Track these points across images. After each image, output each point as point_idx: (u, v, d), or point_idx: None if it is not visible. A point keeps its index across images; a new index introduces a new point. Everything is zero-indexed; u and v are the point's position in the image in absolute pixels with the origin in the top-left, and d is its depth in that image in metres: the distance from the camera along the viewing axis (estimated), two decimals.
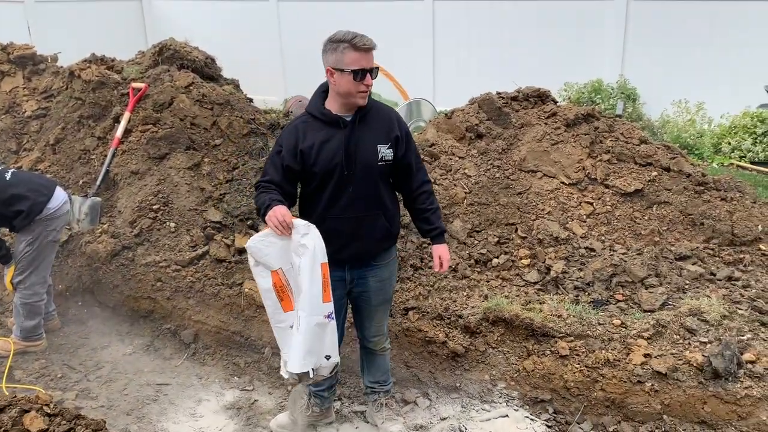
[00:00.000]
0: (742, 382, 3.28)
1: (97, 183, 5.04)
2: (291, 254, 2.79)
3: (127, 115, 5.23)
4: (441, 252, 3.21)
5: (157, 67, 5.66)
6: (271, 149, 3.05)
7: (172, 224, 4.75)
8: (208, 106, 5.35)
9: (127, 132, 5.22)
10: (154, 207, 4.83)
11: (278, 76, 11.98)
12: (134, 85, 5.37)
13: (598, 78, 9.66)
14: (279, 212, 2.74)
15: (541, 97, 5.24)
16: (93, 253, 4.67)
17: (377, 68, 2.88)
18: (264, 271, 2.87)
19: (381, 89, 10.26)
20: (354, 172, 2.92)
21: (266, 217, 2.77)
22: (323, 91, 2.99)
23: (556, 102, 5.36)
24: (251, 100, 5.96)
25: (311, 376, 2.82)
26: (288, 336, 2.87)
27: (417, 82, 9.95)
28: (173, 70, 5.61)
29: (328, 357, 2.85)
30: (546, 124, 5.05)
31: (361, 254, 3.10)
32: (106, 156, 5.15)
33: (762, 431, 3.21)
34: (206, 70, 5.91)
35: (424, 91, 9.36)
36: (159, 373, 4.12)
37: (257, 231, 4.64)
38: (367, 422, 3.61)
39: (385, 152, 2.98)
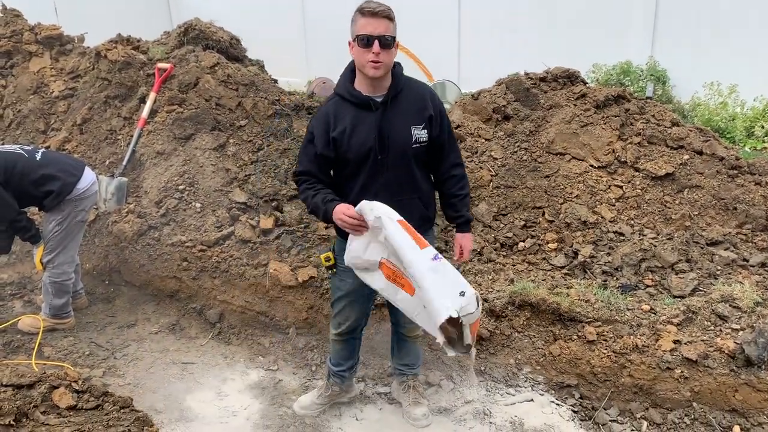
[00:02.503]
0: None
1: (124, 163, 5.06)
2: (376, 239, 2.65)
3: (152, 95, 5.23)
4: (463, 241, 3.10)
5: (182, 47, 5.65)
6: (304, 136, 2.89)
7: (198, 205, 4.76)
8: (233, 86, 5.33)
9: (153, 112, 5.23)
10: (180, 187, 4.84)
11: (302, 57, 11.93)
12: (160, 65, 5.36)
13: (627, 60, 9.46)
14: (346, 214, 2.65)
15: (570, 78, 5.14)
16: (120, 232, 4.70)
17: (390, 37, 2.63)
18: (375, 274, 2.73)
19: (406, 70, 10.17)
20: (388, 157, 2.78)
21: (337, 223, 2.71)
22: (351, 70, 2.83)
23: (585, 83, 5.25)
24: (276, 81, 5.93)
25: (462, 322, 2.52)
26: (404, 261, 2.62)
27: (442, 64, 9.83)
28: (198, 50, 5.60)
29: (462, 293, 2.55)
30: (575, 105, 4.95)
31: None
32: (132, 136, 5.17)
33: None
34: (231, 50, 5.89)
35: (449, 73, 9.25)
36: (185, 352, 4.15)
37: (281, 212, 4.64)
38: (391, 403, 3.60)
39: (420, 133, 2.82)
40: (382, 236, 2.61)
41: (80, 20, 7.97)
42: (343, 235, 2.87)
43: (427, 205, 3.00)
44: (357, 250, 2.73)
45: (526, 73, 5.31)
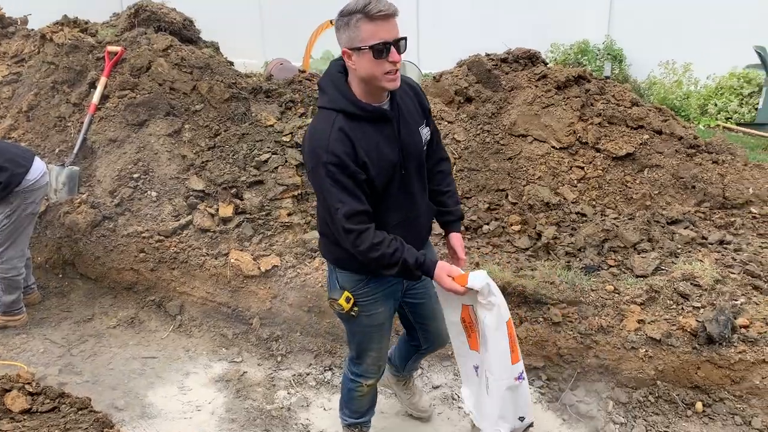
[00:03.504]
0: (735, 347, 3.27)
1: (74, 151, 4.87)
2: (476, 303, 2.39)
3: (103, 80, 5.03)
4: (459, 242, 2.69)
5: (133, 29, 5.45)
6: (316, 176, 2.22)
7: (154, 193, 4.61)
8: (188, 70, 5.16)
9: (104, 98, 5.03)
10: (135, 176, 4.68)
11: (258, 38, 11.69)
12: (110, 48, 5.16)
13: (585, 39, 9.53)
14: (448, 275, 2.29)
15: (531, 58, 5.12)
16: (72, 224, 4.52)
17: (404, 39, 2.16)
18: (454, 302, 2.47)
19: None
20: (408, 169, 2.40)
21: (439, 283, 2.32)
22: (345, 80, 2.28)
23: (546, 64, 5.24)
24: (232, 64, 5.77)
25: None
26: (472, 378, 2.57)
27: None
28: (150, 32, 5.40)
29: (521, 418, 2.51)
30: (536, 86, 4.94)
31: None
32: (82, 123, 4.97)
33: (755, 395, 3.22)
34: (184, 32, 5.70)
35: (408, 54, 9.17)
36: (145, 346, 4.03)
37: (241, 199, 4.53)
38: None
39: (425, 132, 2.47)
40: (483, 313, 2.35)
41: (22, 1, 7.61)
42: (354, 270, 2.49)
43: (431, 206, 2.67)
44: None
45: (487, 54, 5.27)
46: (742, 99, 8.46)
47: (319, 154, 2.17)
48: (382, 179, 2.29)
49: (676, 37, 9.05)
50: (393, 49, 2.11)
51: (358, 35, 2.11)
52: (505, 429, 2.48)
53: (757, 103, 8.31)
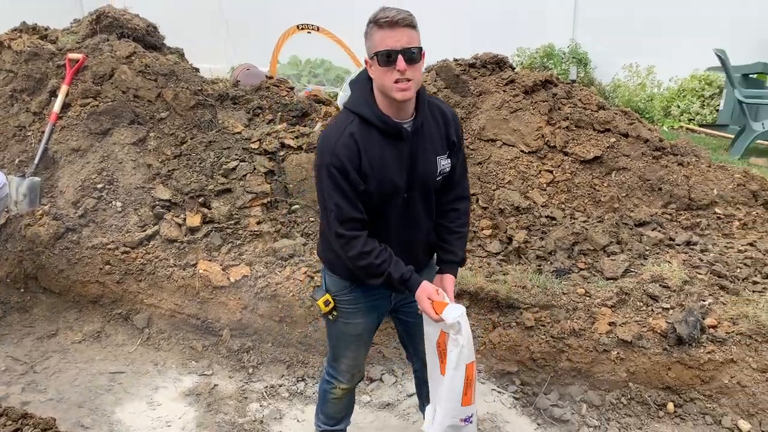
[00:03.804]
0: (704, 347, 3.31)
1: (35, 162, 4.73)
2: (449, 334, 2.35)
3: (64, 88, 4.90)
4: (447, 284, 2.48)
5: (95, 36, 5.32)
6: (320, 174, 2.23)
7: (119, 204, 4.51)
8: (152, 77, 5.06)
9: (66, 106, 4.90)
10: (99, 186, 4.56)
11: (223, 42, 11.55)
12: (71, 55, 5.03)
13: (550, 43, 9.64)
14: (428, 297, 2.25)
15: (498, 63, 5.14)
16: (34, 236, 4.39)
17: (416, 48, 2.11)
18: (435, 324, 2.37)
19: (332, 56, 10.03)
20: (413, 193, 2.34)
21: (418, 303, 2.29)
22: (371, 87, 2.26)
23: (513, 68, 5.27)
24: (197, 70, 5.68)
25: None
26: (439, 396, 2.46)
27: None
28: (113, 39, 5.28)
29: None
30: (504, 91, 4.96)
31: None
32: (43, 132, 4.83)
33: (724, 394, 3.27)
34: (148, 38, 5.59)
35: None
36: (111, 361, 3.93)
37: (209, 208, 4.46)
38: None
39: (444, 164, 2.37)
40: (453, 337, 2.30)
41: None
42: (341, 274, 2.47)
43: (432, 234, 2.57)
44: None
45: (455, 60, 5.28)
46: (704, 101, 8.65)
47: (325, 154, 2.18)
48: (381, 196, 2.26)
49: (639, 41, 9.22)
50: (400, 57, 2.07)
51: (372, 43, 2.14)
52: None
53: (718, 105, 8.50)
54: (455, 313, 2.22)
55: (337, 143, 2.17)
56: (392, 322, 2.84)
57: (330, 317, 2.54)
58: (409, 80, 2.11)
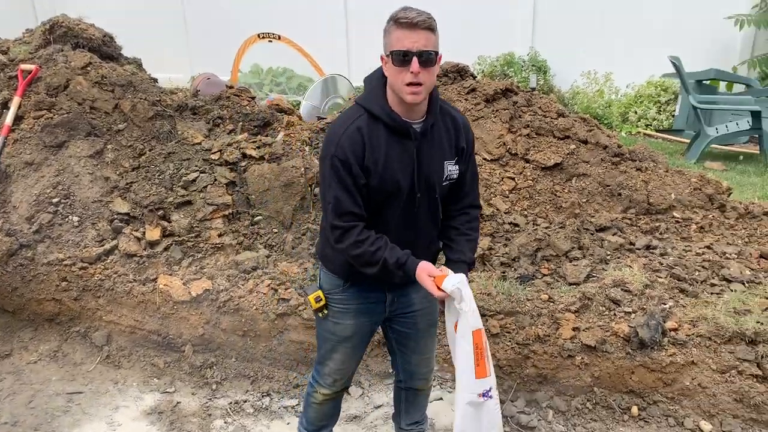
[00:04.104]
0: (666, 350, 3.36)
1: None
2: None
3: (16, 100, 4.76)
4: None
5: (48, 46, 5.18)
6: (323, 164, 2.25)
7: (76, 218, 4.39)
8: (109, 88, 4.95)
9: (18, 119, 4.75)
10: (54, 200, 4.44)
11: (183, 51, 11.44)
12: (23, 66, 4.89)
13: (510, 51, 9.76)
14: (429, 275, 2.22)
15: (460, 72, 5.18)
16: None
17: (433, 52, 2.13)
18: (452, 311, 2.31)
19: (294, 65, 9.99)
20: (417, 195, 2.32)
21: (421, 283, 2.24)
22: (384, 83, 2.27)
23: (474, 77, 5.31)
24: (155, 81, 5.58)
25: None
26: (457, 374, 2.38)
27: (332, 58, 9.72)
28: (67, 49, 5.15)
29: None
30: (466, 99, 4.99)
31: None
32: None
33: (686, 396, 3.32)
34: (105, 48, 5.47)
35: (339, 67, 9.15)
36: (69, 381, 3.81)
37: (169, 222, 4.37)
38: (298, 416, 3.47)
39: (452, 169, 2.37)
40: (456, 307, 2.25)
41: None
42: (336, 272, 2.47)
43: (435, 241, 2.56)
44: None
45: None
46: (660, 106, 8.84)
47: (329, 145, 2.21)
48: (384, 194, 2.26)
49: (596, 48, 9.40)
50: (415, 59, 2.09)
51: (389, 41, 2.16)
52: None
53: (674, 111, 8.70)
54: (454, 280, 2.20)
55: (343, 135, 2.20)
56: (382, 332, 2.80)
57: (320, 314, 2.54)
58: (420, 84, 2.12)
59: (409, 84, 2.11)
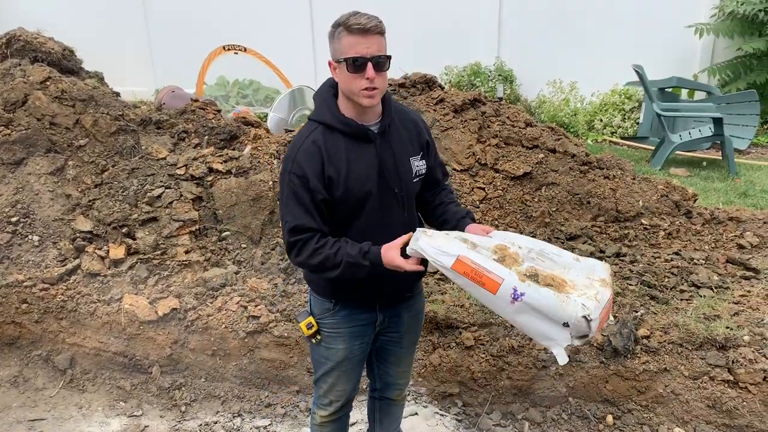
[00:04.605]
0: (639, 357, 3.37)
1: None
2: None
3: None
4: (480, 226, 2.37)
5: (5, 61, 5.04)
6: (282, 182, 2.25)
7: (36, 237, 4.25)
8: (69, 103, 4.82)
9: None
10: (13, 219, 4.29)
11: (147, 63, 11.25)
12: None
13: (477, 61, 9.82)
14: (391, 250, 2.16)
15: (428, 83, 5.17)
16: None
17: (385, 56, 2.15)
18: (448, 273, 2.13)
19: (261, 76, 9.90)
20: (387, 197, 2.30)
21: (391, 263, 2.15)
22: (333, 94, 2.29)
23: (443, 88, 5.31)
24: (118, 95, 5.46)
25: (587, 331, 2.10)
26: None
27: (299, 69, 9.66)
28: (25, 63, 5.02)
29: (565, 324, 2.09)
30: (435, 110, 4.98)
31: (399, 290, 2.50)
32: None
33: (659, 403, 3.33)
34: (64, 63, 5.34)
35: (306, 78, 9.09)
36: (31, 408, 3.67)
37: (134, 239, 4.26)
38: None
39: (419, 164, 2.38)
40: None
41: None
42: (324, 294, 2.44)
43: None
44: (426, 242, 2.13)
45: None
46: (625, 114, 8.97)
47: (287, 162, 2.22)
48: (351, 201, 2.24)
49: (561, 57, 9.51)
50: (369, 65, 2.10)
51: (340, 47, 2.14)
52: (559, 340, 2.11)
53: (638, 118, 8.84)
54: (412, 244, 2.13)
55: (299, 151, 2.20)
56: None
57: (313, 341, 2.52)
58: (375, 88, 2.14)
59: (366, 88, 2.13)
